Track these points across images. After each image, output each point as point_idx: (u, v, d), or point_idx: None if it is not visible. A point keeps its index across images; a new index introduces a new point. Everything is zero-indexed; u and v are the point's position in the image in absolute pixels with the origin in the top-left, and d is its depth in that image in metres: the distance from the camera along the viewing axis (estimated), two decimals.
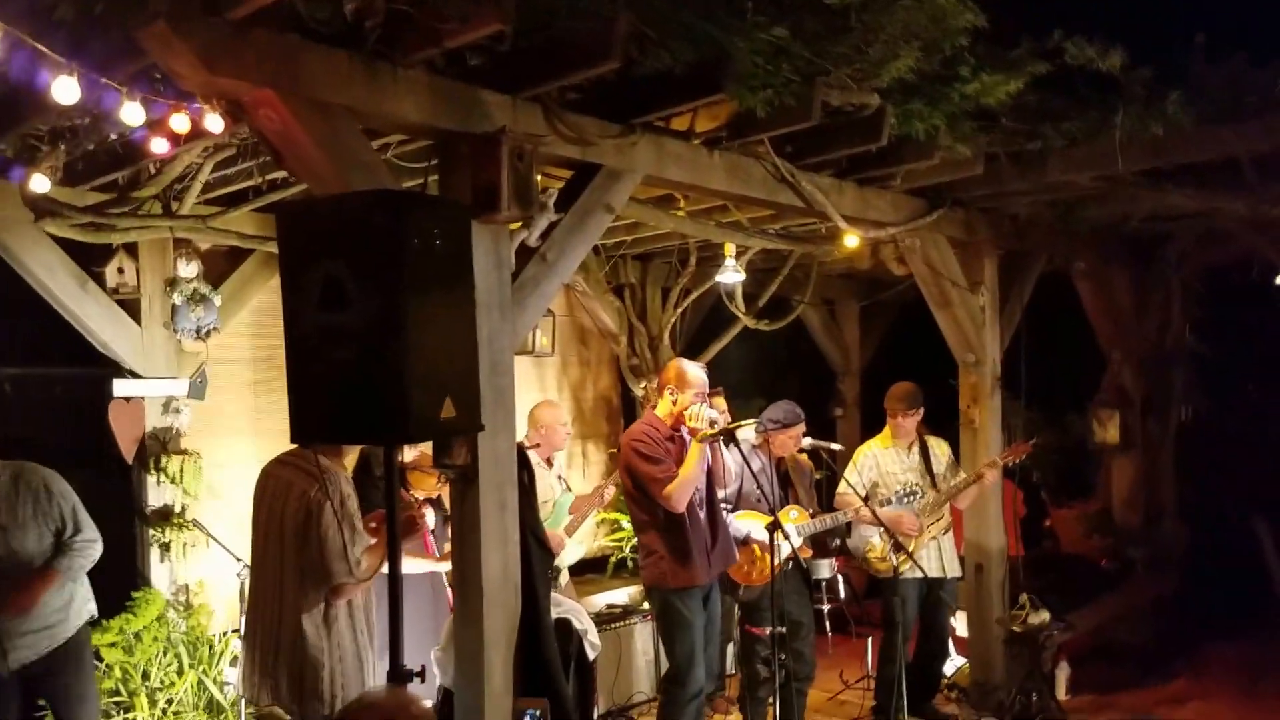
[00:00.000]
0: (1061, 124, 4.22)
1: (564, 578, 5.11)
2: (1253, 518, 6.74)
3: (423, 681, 2.50)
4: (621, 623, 5.75)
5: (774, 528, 4.11)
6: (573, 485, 5.50)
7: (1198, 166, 4.65)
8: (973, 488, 5.30)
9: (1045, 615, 5.11)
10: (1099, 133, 4.18)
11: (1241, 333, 7.77)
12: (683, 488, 4.23)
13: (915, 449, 5.41)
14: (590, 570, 6.84)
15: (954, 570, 5.40)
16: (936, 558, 5.29)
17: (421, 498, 3.98)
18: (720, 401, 4.95)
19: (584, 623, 4.25)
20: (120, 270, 4.79)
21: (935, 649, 5.55)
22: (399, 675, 2.44)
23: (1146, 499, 7.33)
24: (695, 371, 4.42)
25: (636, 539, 4.55)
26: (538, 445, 4.93)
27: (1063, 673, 5.68)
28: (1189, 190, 4.82)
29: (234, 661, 4.31)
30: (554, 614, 3.86)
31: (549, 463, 5.09)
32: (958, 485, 5.28)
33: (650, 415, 4.55)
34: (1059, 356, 6.46)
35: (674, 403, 4.37)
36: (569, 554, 5.20)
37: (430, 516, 3.97)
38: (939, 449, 5.48)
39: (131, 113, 2.86)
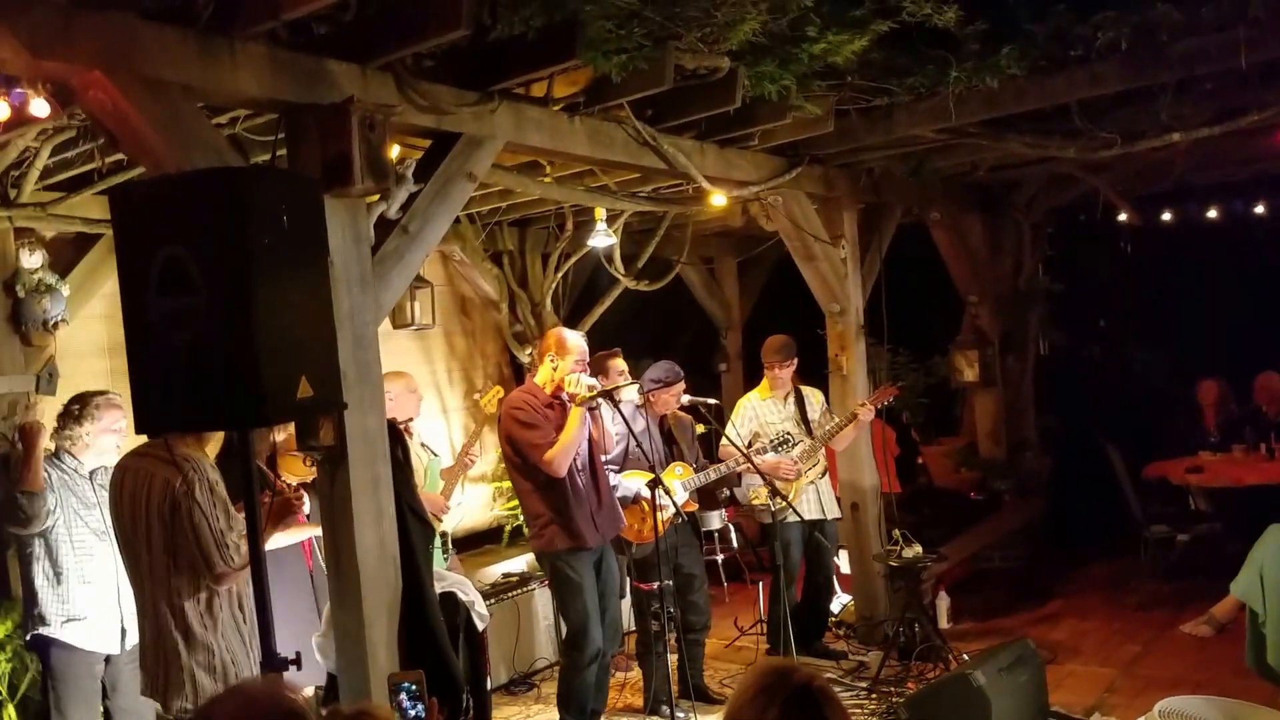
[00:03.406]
0: (905, 79, 4.35)
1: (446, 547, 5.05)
2: (1107, 444, 7.17)
3: (299, 669, 2.45)
4: (519, 590, 5.76)
5: (654, 485, 4.21)
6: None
7: (1033, 115, 4.88)
8: (848, 429, 5.50)
9: (918, 549, 5.35)
10: (939, 87, 4.33)
11: (1090, 269, 8.26)
12: (563, 452, 4.27)
13: (791, 399, 5.59)
14: (486, 541, 6.84)
15: (833, 512, 5.62)
16: (815, 501, 5.49)
17: (295, 483, 3.89)
18: (618, 362, 4.99)
19: (470, 594, 4.25)
20: None
21: (821, 588, 5.76)
22: (272, 663, 2.40)
23: (1009, 432, 7.73)
24: (574, 339, 4.45)
25: (521, 507, 4.57)
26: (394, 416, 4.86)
27: (943, 602, 5.94)
28: (1027, 138, 5.07)
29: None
30: (438, 588, 3.84)
31: (408, 431, 5.03)
32: (832, 429, 5.47)
33: (530, 383, 4.57)
34: (920, 302, 6.73)
35: (554, 369, 4.40)
36: (450, 518, 5.14)
37: (306, 502, 3.90)
38: (813, 397, 5.68)
39: None
